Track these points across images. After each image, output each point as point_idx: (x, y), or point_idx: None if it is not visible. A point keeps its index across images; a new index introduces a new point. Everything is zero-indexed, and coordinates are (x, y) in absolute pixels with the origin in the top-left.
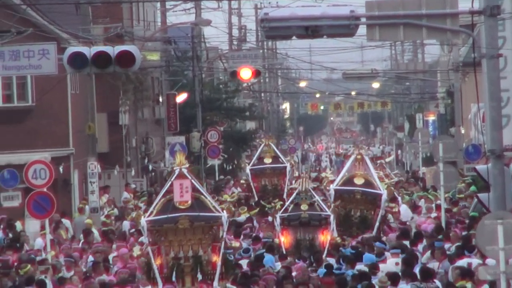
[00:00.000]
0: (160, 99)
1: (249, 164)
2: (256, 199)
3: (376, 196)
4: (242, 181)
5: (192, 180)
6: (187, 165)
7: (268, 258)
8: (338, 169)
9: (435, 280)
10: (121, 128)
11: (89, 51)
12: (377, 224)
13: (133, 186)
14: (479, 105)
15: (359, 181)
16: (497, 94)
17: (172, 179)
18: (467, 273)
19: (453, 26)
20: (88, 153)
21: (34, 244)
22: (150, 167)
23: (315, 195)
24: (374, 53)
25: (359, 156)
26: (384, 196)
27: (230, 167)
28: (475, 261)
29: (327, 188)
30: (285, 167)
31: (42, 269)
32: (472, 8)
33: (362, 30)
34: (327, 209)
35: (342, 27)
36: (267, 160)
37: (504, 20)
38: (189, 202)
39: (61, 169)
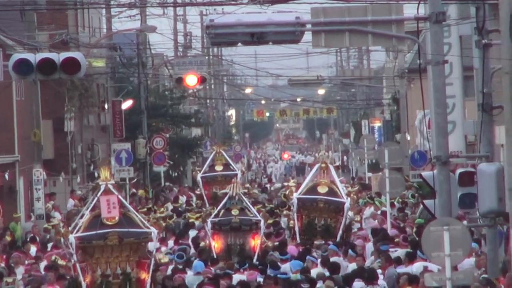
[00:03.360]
0: (106, 106)
1: (200, 172)
2: (208, 206)
3: (339, 204)
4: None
5: (119, 196)
6: (112, 181)
7: (197, 263)
8: (286, 175)
9: (379, 283)
10: (66, 135)
11: (34, 57)
12: (340, 232)
13: (78, 193)
14: (425, 111)
15: (322, 189)
16: (442, 101)
17: (98, 195)
18: (413, 279)
19: (398, 32)
20: (34, 160)
21: None
22: (96, 174)
23: (245, 200)
24: (320, 60)
25: (323, 165)
26: (347, 205)
27: (176, 174)
28: (431, 265)
29: (291, 197)
30: (236, 174)
31: (9, 280)
32: (418, 15)
33: (307, 36)
34: (257, 214)
35: (288, 34)
36: (218, 168)
37: (450, 27)
38: (117, 218)
39: (6, 176)
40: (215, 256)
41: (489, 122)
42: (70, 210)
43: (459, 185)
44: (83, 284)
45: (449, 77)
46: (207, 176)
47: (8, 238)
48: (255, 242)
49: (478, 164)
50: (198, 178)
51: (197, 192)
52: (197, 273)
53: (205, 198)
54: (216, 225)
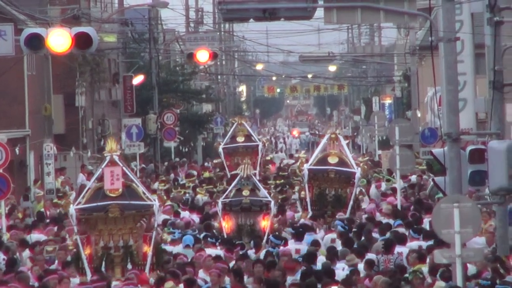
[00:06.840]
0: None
1: (222, 143)
2: (229, 177)
3: (350, 174)
4: (215, 161)
5: (124, 168)
6: (118, 152)
7: (187, 237)
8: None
9: (394, 253)
10: (77, 110)
11: (46, 32)
12: (351, 202)
13: (89, 167)
14: (436, 88)
15: (333, 160)
16: (454, 78)
17: (102, 166)
18: (422, 257)
19: (410, 9)
20: (44, 134)
21: None
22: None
23: (257, 181)
24: (331, 36)
25: (333, 135)
26: (358, 175)
27: (186, 149)
28: (423, 243)
29: (301, 168)
30: (258, 145)
31: (50, 249)
32: None
33: (319, 12)
34: (268, 195)
35: (299, 10)
36: (240, 139)
37: (462, 4)
38: (120, 190)
39: (17, 151)
40: (225, 236)
41: (500, 99)
42: (81, 185)
43: (469, 162)
44: (83, 256)
45: (461, 54)
46: (228, 147)
47: (19, 215)
48: (265, 223)
49: (488, 142)
50: (220, 149)
51: (214, 161)
52: (186, 246)
53: (226, 169)
54: (227, 205)
